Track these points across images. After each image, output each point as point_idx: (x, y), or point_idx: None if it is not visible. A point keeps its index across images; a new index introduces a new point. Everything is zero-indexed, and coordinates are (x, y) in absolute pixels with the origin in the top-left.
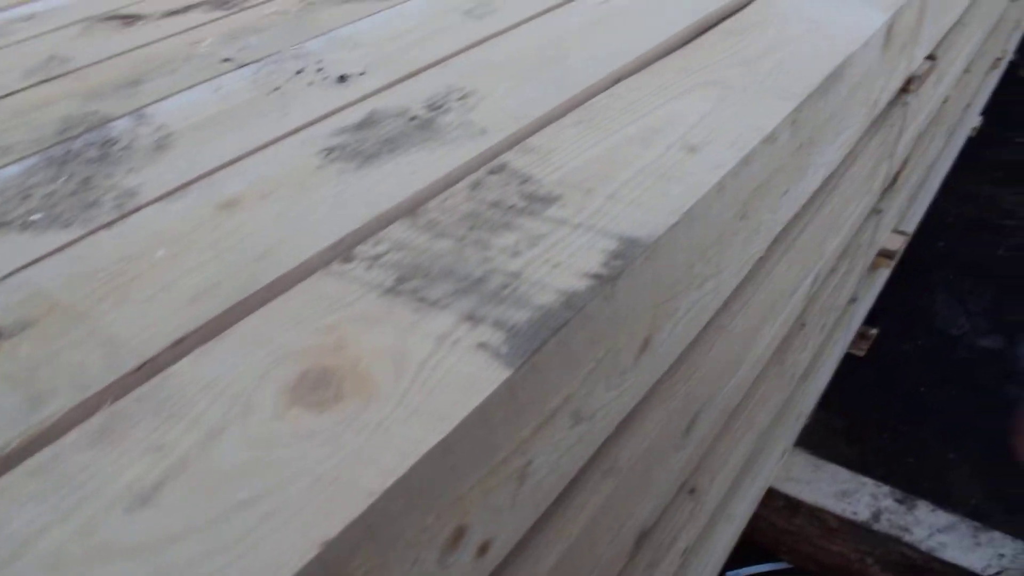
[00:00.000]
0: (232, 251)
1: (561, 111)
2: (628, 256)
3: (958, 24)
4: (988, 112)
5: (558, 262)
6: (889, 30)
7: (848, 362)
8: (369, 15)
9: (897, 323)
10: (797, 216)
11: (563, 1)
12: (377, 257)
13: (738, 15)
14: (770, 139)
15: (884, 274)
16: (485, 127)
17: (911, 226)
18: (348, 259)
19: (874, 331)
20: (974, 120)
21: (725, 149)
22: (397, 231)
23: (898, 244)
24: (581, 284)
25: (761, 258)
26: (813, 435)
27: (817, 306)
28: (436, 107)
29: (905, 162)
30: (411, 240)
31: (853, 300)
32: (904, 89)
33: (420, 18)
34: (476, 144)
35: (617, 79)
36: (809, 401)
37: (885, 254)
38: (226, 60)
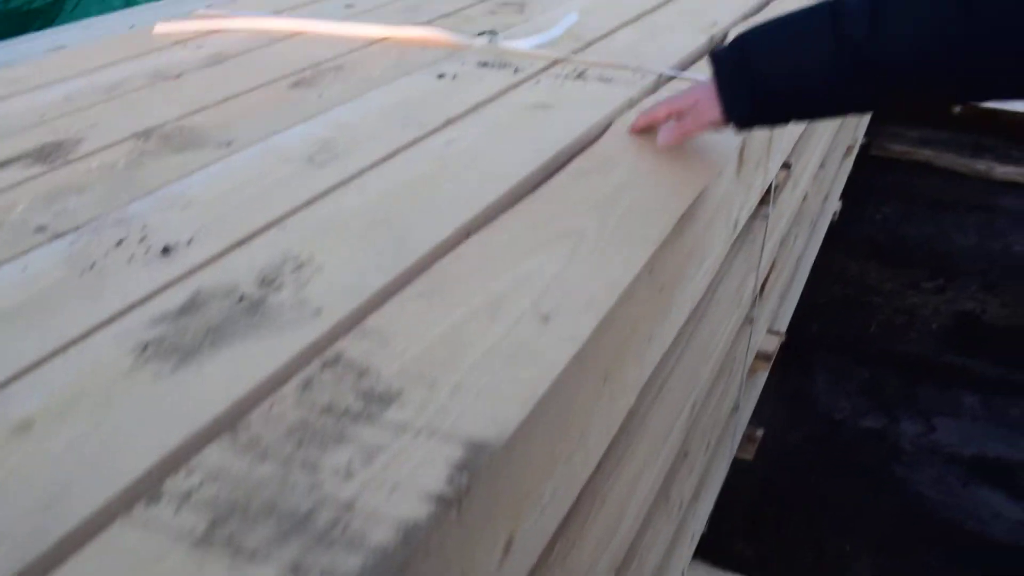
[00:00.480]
0: (16, 496)
1: (405, 279)
2: (475, 466)
3: (807, 129)
4: (846, 193)
5: (396, 482)
6: (741, 153)
7: (737, 464)
8: (205, 166)
9: (781, 413)
10: (666, 355)
11: (409, 143)
12: (189, 494)
13: (588, 151)
14: (628, 294)
15: (763, 375)
16: (321, 306)
17: (784, 323)
18: (155, 498)
19: (760, 432)
20: (834, 205)
21: (580, 314)
22: (214, 454)
23: (774, 345)
24: (423, 510)
25: (631, 409)
26: (710, 541)
27: (698, 430)
28: (268, 282)
29: (772, 267)
30: (229, 466)
31: (735, 409)
32: (763, 201)
33: (260, 167)
34: (310, 329)
35: (466, 234)
36: (701, 520)
37: (762, 357)
38: (40, 229)
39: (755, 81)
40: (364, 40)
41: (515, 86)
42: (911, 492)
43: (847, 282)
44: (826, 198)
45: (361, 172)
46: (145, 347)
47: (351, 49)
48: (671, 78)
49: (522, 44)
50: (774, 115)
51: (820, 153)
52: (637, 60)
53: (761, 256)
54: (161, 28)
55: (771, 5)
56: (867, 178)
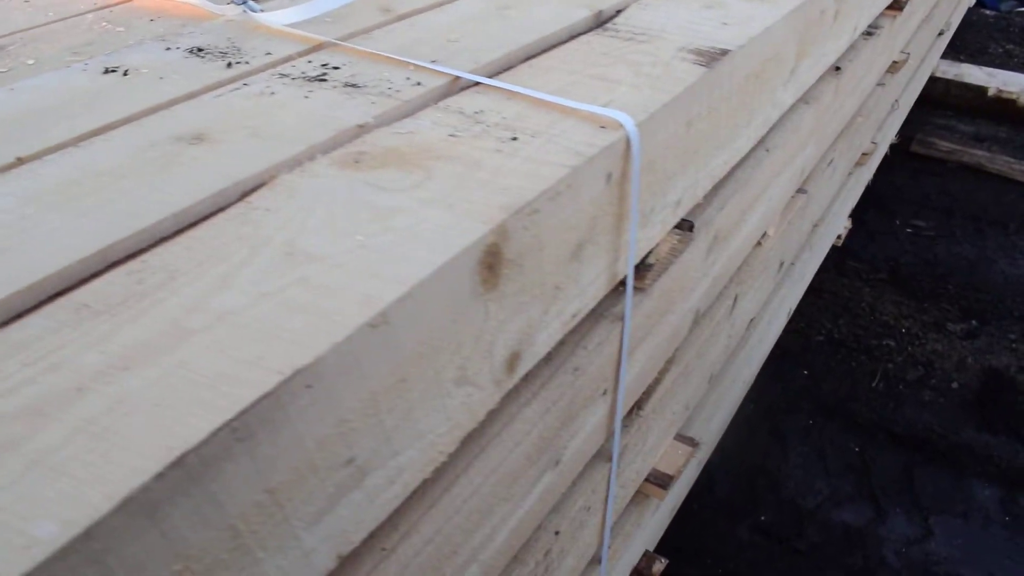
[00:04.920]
0: None
1: None
2: None
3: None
4: (871, 199)
5: None
6: (494, 254)
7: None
8: None
9: (734, 489)
10: None
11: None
12: None
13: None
14: None
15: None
16: None
17: (710, 429)
18: None
19: (661, 565)
20: (839, 228)
21: None
22: None
23: (680, 461)
24: None
25: None
26: None
27: None
28: None
29: (665, 369)
30: None
31: (594, 562)
32: (617, 288)
33: None
34: None
35: None
36: None
37: (658, 482)
38: None
39: None
40: (107, 2)
41: (202, 93)
42: None
43: (855, 316)
44: (815, 226)
45: None
46: None
47: (66, 15)
48: (472, 84)
49: (280, 17)
50: None
51: (792, 178)
52: (454, 48)
53: (619, 371)
54: None
55: None
56: (902, 181)
